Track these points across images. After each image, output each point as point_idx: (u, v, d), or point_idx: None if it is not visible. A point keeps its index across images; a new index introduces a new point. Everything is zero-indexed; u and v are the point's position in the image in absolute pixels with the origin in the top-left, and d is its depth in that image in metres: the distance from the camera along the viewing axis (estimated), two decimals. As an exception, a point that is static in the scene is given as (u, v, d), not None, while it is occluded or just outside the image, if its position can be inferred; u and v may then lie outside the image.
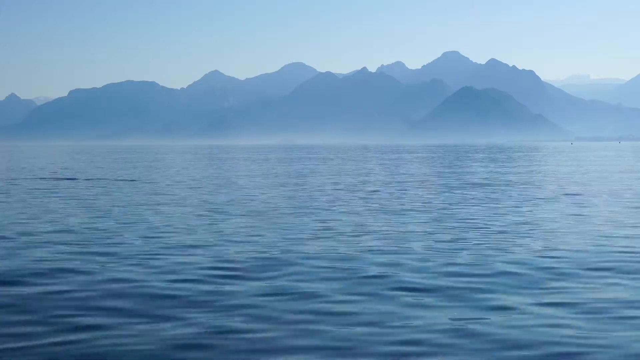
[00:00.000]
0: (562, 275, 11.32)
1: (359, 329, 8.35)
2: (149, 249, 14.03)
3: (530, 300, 9.69)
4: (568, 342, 7.85)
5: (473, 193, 28.31)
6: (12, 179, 40.03)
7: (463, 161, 72.34)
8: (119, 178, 40.80)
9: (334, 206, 22.84)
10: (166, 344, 7.86)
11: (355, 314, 9.01)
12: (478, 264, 12.23)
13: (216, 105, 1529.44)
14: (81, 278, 11.19)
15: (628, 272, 11.59)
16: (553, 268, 11.89)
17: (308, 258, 12.86)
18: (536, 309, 9.21)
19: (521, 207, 22.43)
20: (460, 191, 29.41)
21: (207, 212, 20.96)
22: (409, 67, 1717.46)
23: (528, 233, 16.20)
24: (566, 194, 27.39)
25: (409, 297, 9.85)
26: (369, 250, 13.71)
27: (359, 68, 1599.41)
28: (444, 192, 29.26)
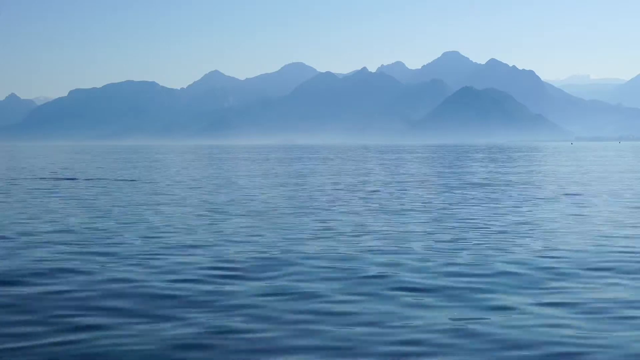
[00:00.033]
0: (562, 275, 11.32)
1: (359, 329, 8.35)
2: (149, 249, 14.02)
3: (530, 300, 9.68)
4: (568, 342, 7.85)
5: (473, 193, 28.31)
6: (13, 179, 40.03)
7: (463, 161, 72.35)
8: (119, 178, 40.80)
9: (334, 206, 22.83)
10: (166, 344, 7.86)
11: (355, 314, 9.01)
12: (478, 264, 12.23)
13: (216, 105, 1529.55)
14: (81, 278, 11.19)
15: (628, 272, 11.59)
16: (553, 268, 11.89)
17: (308, 258, 12.86)
18: (536, 309, 9.20)
19: (521, 207, 22.42)
20: (460, 191, 29.40)
21: (207, 212, 20.96)
22: (409, 67, 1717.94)
23: (528, 233, 16.20)
24: (566, 194, 27.39)
25: (409, 297, 9.85)
26: (369, 250, 13.70)
27: (359, 68, 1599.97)
28: (444, 192, 29.25)
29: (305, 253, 13.42)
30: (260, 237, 15.56)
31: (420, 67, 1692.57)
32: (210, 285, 10.63)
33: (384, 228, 17.13)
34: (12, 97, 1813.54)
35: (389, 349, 7.65)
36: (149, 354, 7.56)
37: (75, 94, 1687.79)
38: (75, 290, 10.32)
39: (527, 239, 15.19)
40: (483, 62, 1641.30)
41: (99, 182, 37.13)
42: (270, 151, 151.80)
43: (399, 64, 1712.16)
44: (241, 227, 17.46)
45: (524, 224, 17.96)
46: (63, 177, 42.25)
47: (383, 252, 13.49)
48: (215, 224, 18.12)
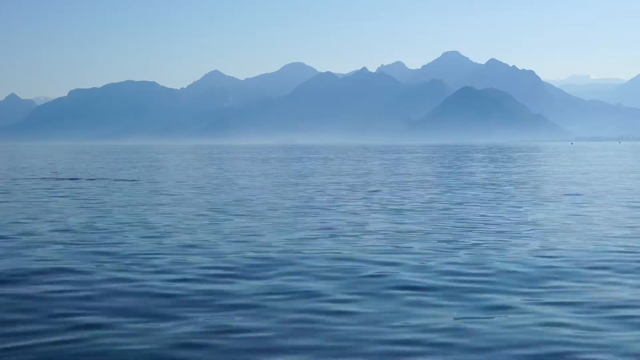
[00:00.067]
0: (562, 275, 11.32)
1: (358, 328, 8.35)
2: (149, 249, 14.03)
3: (529, 299, 9.68)
4: (568, 342, 7.84)
5: (473, 193, 28.32)
6: (13, 179, 40.04)
7: (463, 161, 72.35)
8: (119, 178, 40.81)
9: (334, 206, 22.84)
10: (166, 343, 7.86)
11: (355, 313, 9.01)
12: (478, 264, 12.23)
13: (216, 105, 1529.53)
14: (81, 277, 11.19)
15: (628, 272, 11.59)
16: (553, 267, 11.89)
17: (308, 258, 12.86)
18: (536, 309, 9.20)
19: (521, 207, 22.43)
20: (460, 191, 29.41)
21: (207, 212, 20.97)
22: (409, 67, 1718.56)
23: (527, 233, 16.21)
24: (566, 194, 27.40)
25: (408, 297, 9.84)
26: (368, 250, 13.71)
27: (359, 68, 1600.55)
28: (444, 192, 29.26)
29: (305, 253, 13.42)
30: (260, 237, 15.56)
31: (420, 67, 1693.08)
32: (210, 285, 10.62)
33: (384, 228, 17.14)
34: (12, 97, 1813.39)
35: (389, 349, 7.64)
36: (148, 353, 7.56)
37: (75, 94, 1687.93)
38: (75, 290, 10.32)
39: (527, 239, 15.19)
40: (483, 62, 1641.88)
41: (99, 182, 37.13)
42: (270, 151, 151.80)
43: (399, 64, 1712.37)
44: (241, 227, 17.46)
45: (523, 223, 17.96)
46: (63, 177, 42.25)
47: (383, 252, 13.49)
48: (215, 223, 18.13)
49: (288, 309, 9.24)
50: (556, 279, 11.06)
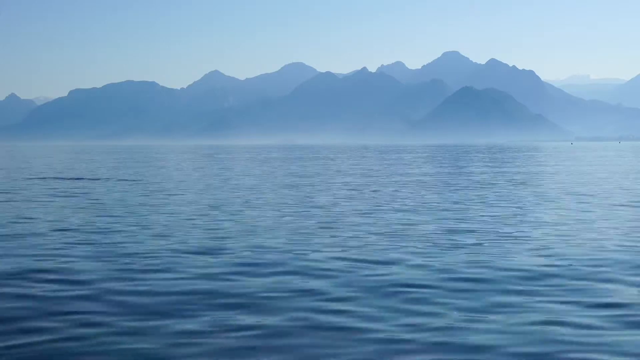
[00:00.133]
0: (561, 275, 11.32)
1: (357, 327, 8.38)
2: (150, 248, 14.04)
3: (529, 299, 9.70)
4: (568, 342, 7.86)
5: (473, 193, 28.33)
6: (13, 179, 40.06)
7: (463, 161, 72.39)
8: (120, 178, 40.83)
9: (334, 206, 22.86)
10: (166, 342, 7.88)
11: (355, 312, 9.04)
12: (477, 264, 12.24)
13: (216, 105, 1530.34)
14: (81, 277, 11.19)
15: (628, 272, 11.60)
16: (552, 267, 11.90)
17: (308, 257, 12.87)
18: (536, 308, 9.21)
19: (521, 207, 22.44)
20: (460, 191, 29.42)
21: (207, 212, 20.98)
22: (409, 67, 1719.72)
23: (528, 233, 16.21)
24: (566, 194, 27.41)
25: (407, 295, 9.85)
26: (368, 250, 13.71)
27: (359, 68, 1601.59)
28: (444, 192, 29.27)
29: (304, 252, 13.43)
30: (259, 237, 15.58)
31: (420, 67, 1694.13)
32: (210, 284, 10.64)
33: (383, 228, 17.15)
34: (12, 97, 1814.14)
35: (389, 348, 7.66)
36: (148, 351, 7.57)
37: (75, 94, 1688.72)
38: (75, 289, 10.33)
39: (527, 239, 15.19)
40: (483, 62, 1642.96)
41: (99, 182, 37.16)
42: (270, 151, 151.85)
43: (399, 64, 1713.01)
44: (241, 226, 17.48)
45: (523, 223, 17.98)
46: (63, 177, 42.29)
47: (383, 252, 13.50)
48: (215, 223, 18.15)
49: (287, 307, 9.26)
50: (556, 278, 11.07)
